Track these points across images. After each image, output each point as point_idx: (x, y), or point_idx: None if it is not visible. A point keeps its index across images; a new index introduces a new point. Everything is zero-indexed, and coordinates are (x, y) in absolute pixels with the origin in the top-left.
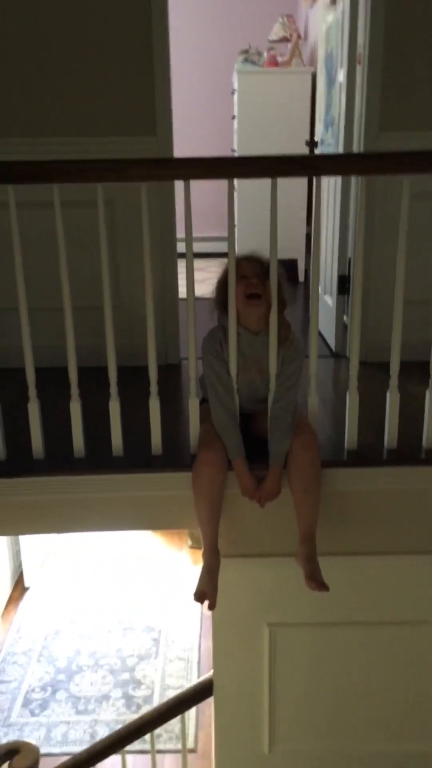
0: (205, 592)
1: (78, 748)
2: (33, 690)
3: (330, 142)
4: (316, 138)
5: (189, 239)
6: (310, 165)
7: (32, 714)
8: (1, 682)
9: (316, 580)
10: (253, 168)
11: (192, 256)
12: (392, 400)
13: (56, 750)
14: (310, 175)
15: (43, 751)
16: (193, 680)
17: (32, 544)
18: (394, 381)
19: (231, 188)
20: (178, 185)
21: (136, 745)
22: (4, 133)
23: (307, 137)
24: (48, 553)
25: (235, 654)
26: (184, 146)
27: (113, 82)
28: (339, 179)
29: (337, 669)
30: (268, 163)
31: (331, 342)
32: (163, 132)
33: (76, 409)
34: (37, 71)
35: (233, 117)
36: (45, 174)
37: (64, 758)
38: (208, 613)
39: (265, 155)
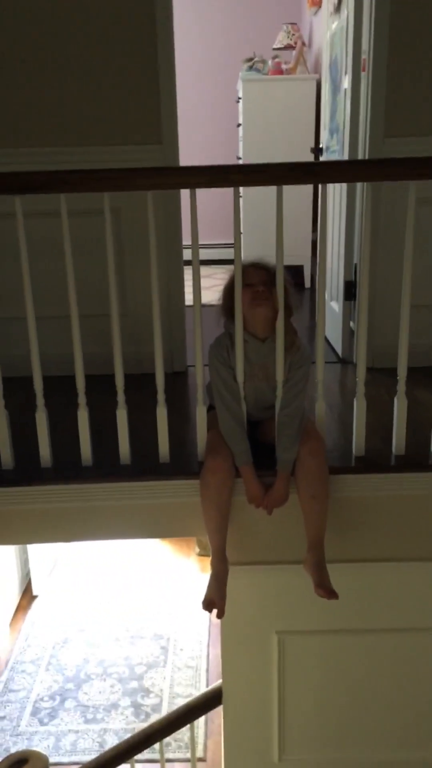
0: (214, 600)
1: (87, 757)
2: (41, 699)
3: (335, 149)
4: (322, 145)
5: (195, 247)
6: (315, 172)
7: (41, 723)
8: (9, 691)
9: (325, 588)
10: (259, 176)
11: (198, 263)
12: (400, 406)
13: (65, 759)
14: (315, 182)
15: (52, 760)
16: (202, 688)
17: (40, 552)
18: (401, 386)
19: (237, 195)
20: (184, 192)
21: (145, 753)
22: (9, 144)
23: (313, 144)
24: (56, 561)
25: (243, 662)
26: (189, 154)
27: (118, 91)
28: (345, 185)
29: (347, 677)
30: (273, 170)
31: (338, 348)
32: (169, 140)
33: (83, 417)
34: (42, 81)
35: (238, 125)
36: (52, 184)
37: (73, 767)
38: (217, 621)
39: (271, 163)
